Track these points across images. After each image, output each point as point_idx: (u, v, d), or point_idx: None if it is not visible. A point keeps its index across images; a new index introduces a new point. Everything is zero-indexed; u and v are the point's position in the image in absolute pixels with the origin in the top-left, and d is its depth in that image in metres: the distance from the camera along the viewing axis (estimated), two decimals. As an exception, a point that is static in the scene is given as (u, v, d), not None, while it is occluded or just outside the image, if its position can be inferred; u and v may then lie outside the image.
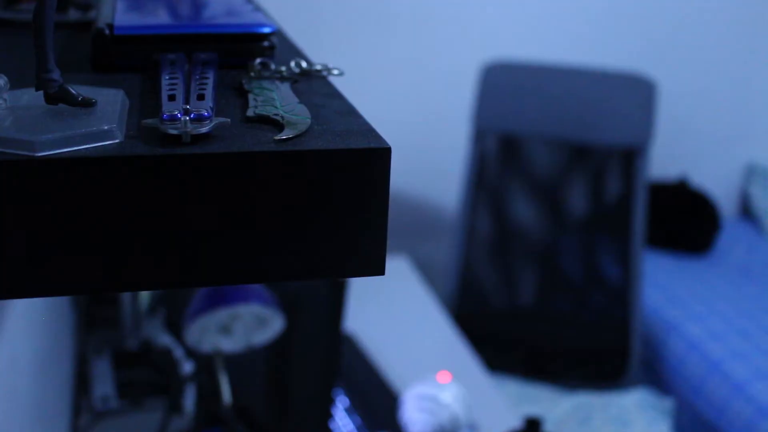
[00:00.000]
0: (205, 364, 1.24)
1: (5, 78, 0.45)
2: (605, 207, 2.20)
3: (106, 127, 0.42)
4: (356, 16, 2.35)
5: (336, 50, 2.26)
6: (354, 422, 1.54)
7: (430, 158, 2.52)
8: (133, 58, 0.56)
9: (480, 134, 2.21)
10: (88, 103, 0.45)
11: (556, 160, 2.21)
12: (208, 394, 1.24)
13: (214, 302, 1.14)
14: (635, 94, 2.15)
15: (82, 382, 1.53)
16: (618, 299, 2.18)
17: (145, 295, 1.57)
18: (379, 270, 0.47)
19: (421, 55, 2.44)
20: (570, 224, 2.23)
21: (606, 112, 2.14)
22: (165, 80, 0.49)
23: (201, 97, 0.46)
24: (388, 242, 0.46)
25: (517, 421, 1.61)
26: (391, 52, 2.41)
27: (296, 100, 0.50)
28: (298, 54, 0.62)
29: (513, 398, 2.01)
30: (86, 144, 0.42)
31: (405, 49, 2.42)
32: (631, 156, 2.15)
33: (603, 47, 2.55)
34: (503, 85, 2.19)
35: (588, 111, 2.14)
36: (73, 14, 0.69)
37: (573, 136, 2.17)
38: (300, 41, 0.68)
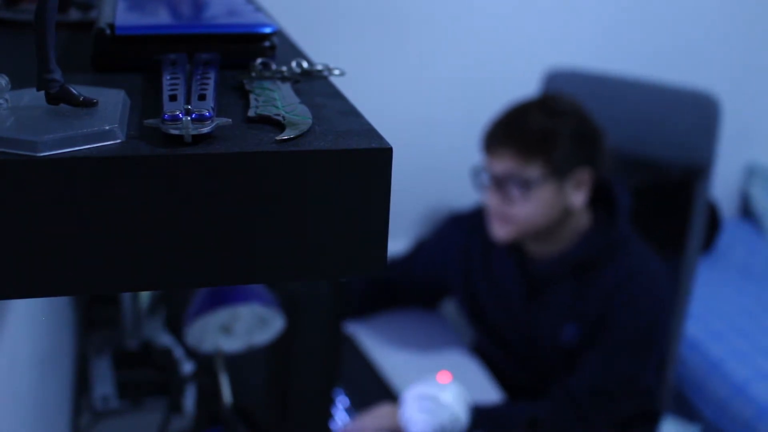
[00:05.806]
0: (206, 364, 1.24)
1: (6, 78, 0.45)
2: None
3: (107, 128, 0.43)
4: (357, 16, 2.35)
5: (335, 51, 2.25)
6: (354, 422, 1.54)
7: (430, 158, 2.52)
8: (134, 58, 0.56)
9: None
10: (89, 104, 0.45)
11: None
12: (208, 394, 1.24)
13: (214, 302, 1.14)
14: (698, 111, 1.98)
15: (82, 382, 1.53)
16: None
17: (145, 295, 1.57)
18: (379, 270, 0.47)
19: (426, 54, 2.44)
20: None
21: (667, 129, 1.99)
22: (166, 80, 0.49)
23: (202, 98, 0.46)
24: (389, 242, 0.46)
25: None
26: (391, 52, 2.41)
27: (297, 100, 0.50)
28: (299, 54, 0.62)
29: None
30: (88, 144, 0.42)
31: (404, 49, 2.42)
32: (691, 175, 2.00)
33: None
34: (567, 92, 2.02)
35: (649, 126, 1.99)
36: (74, 14, 0.69)
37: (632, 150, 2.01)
38: (301, 41, 0.68)
